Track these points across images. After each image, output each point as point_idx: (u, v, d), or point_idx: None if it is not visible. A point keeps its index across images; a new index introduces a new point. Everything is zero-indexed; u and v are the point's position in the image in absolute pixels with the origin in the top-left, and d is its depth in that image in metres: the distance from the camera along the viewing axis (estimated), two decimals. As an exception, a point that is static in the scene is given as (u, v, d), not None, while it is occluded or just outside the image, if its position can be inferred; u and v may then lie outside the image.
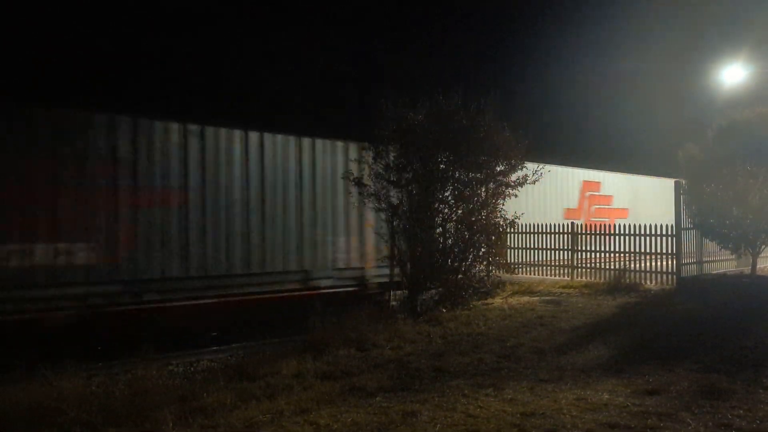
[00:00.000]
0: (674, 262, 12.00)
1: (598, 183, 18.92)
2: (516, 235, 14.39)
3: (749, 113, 12.35)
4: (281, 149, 10.55)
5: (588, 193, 18.54)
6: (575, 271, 13.32)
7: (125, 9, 22.45)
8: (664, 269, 12.09)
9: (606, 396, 5.12)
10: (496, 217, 10.20)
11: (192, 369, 7.40)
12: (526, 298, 10.88)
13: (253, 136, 10.24)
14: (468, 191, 9.84)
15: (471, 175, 9.80)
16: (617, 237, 12.92)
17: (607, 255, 13.09)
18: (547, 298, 10.94)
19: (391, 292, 10.33)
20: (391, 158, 9.70)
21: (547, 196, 16.60)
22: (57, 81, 17.25)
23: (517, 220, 10.68)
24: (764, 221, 11.96)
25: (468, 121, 9.67)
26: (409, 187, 9.66)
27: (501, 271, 11.53)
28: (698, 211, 12.41)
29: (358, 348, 7.12)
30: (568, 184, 17.83)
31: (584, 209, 18.31)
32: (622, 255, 12.83)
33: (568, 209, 17.63)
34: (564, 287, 12.00)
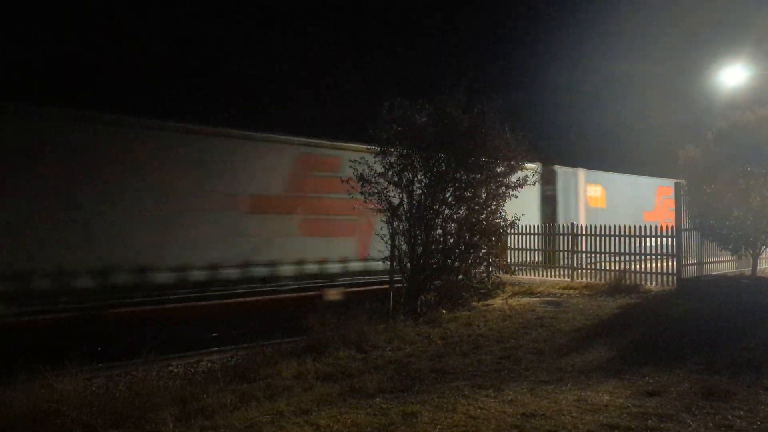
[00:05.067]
0: (675, 263, 12.00)
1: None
2: (516, 236, 14.40)
3: (749, 115, 12.35)
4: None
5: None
6: (575, 272, 13.32)
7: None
8: (665, 270, 12.09)
9: (606, 397, 5.12)
10: (497, 218, 10.21)
11: (192, 370, 7.39)
12: (526, 299, 10.87)
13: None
14: (469, 192, 9.84)
15: (472, 176, 9.81)
16: (617, 238, 12.91)
17: (608, 256, 13.09)
18: (547, 299, 10.93)
19: (391, 294, 10.29)
20: (393, 159, 9.70)
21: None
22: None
23: (517, 221, 10.69)
24: (764, 222, 11.96)
25: (469, 122, 9.69)
26: (410, 188, 9.66)
27: (501, 272, 11.52)
28: (699, 212, 12.41)
29: (358, 349, 7.11)
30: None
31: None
32: (622, 256, 12.82)
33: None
34: (564, 288, 11.99)
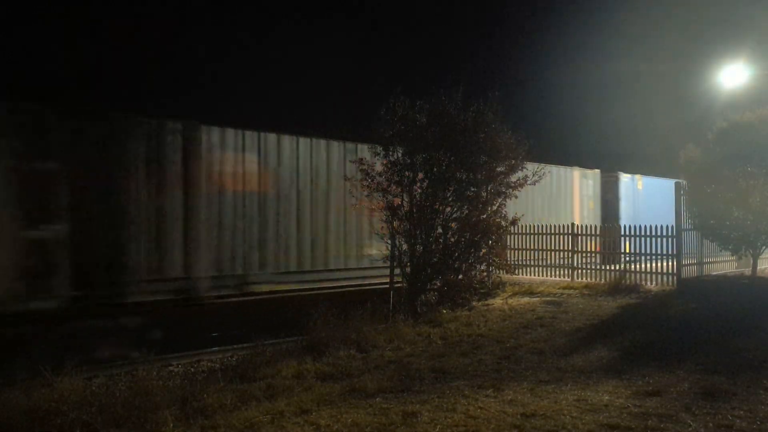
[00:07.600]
0: (675, 263, 11.99)
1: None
2: (517, 235, 14.38)
3: (750, 115, 12.33)
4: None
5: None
6: (576, 272, 13.31)
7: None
8: (665, 270, 12.09)
9: (606, 397, 5.12)
10: (497, 218, 10.20)
11: (192, 370, 7.40)
12: (526, 299, 10.87)
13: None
14: (469, 192, 9.84)
15: (472, 175, 9.80)
16: (617, 238, 12.91)
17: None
18: (547, 299, 10.93)
19: (392, 293, 10.29)
20: (395, 158, 9.69)
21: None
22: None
23: (517, 221, 10.67)
24: (765, 222, 11.94)
25: (469, 122, 9.68)
26: (411, 187, 9.66)
27: (501, 272, 11.51)
28: (699, 212, 12.40)
29: (358, 349, 7.12)
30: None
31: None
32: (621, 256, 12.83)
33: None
34: (564, 288, 11.98)
